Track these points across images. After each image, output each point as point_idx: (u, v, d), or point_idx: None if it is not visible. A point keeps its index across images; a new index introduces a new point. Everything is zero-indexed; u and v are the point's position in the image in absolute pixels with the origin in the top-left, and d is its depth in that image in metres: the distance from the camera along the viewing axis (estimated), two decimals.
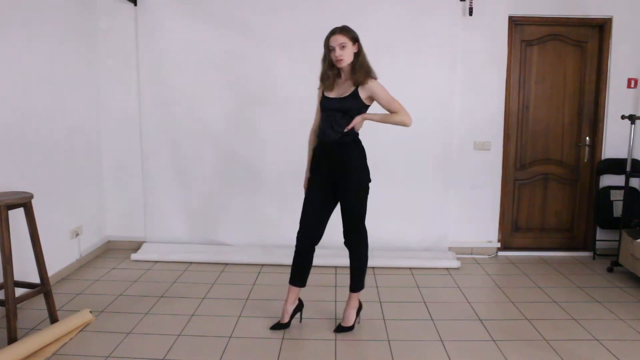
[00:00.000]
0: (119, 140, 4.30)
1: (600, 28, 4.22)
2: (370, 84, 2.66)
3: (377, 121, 2.70)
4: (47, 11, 3.45)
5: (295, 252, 2.84)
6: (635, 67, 4.20)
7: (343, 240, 2.83)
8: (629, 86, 4.22)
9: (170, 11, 4.10)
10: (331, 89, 2.71)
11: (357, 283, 2.87)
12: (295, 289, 2.87)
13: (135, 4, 4.10)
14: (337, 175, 2.73)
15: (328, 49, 2.65)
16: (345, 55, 2.61)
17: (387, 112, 2.71)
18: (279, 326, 2.88)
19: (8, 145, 3.05)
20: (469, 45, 4.14)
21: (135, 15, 4.14)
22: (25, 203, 2.73)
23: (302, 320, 2.98)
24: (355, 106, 2.67)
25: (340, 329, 2.86)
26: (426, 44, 4.10)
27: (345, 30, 2.64)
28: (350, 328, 2.87)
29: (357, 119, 2.67)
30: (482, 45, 4.15)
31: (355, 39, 2.66)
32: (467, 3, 4.04)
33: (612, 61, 4.19)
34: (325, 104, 2.72)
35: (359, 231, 2.81)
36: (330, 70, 2.68)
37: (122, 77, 4.23)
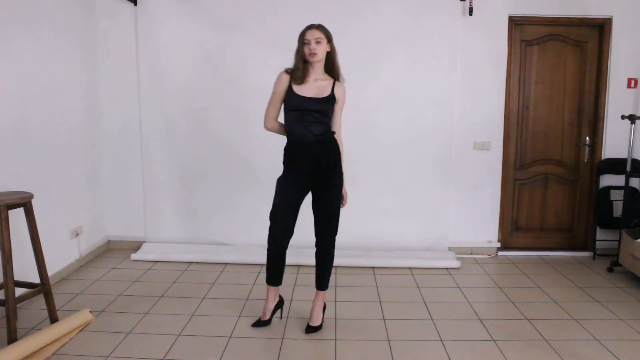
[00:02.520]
0: (119, 140, 4.30)
1: (600, 28, 4.22)
2: (344, 87, 2.77)
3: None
4: (46, 11, 3.45)
5: (270, 253, 2.79)
6: (635, 67, 4.20)
7: (315, 240, 2.82)
8: (629, 86, 4.22)
9: (170, 11, 4.10)
10: (301, 82, 2.66)
11: (327, 281, 2.88)
12: (274, 288, 2.88)
13: (135, 4, 4.10)
14: (317, 174, 2.72)
15: (303, 42, 2.64)
16: (319, 51, 2.62)
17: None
18: (260, 323, 2.90)
19: (8, 145, 3.05)
20: (468, 45, 4.14)
21: (135, 15, 4.13)
22: (25, 203, 2.73)
23: (285, 317, 3.01)
24: (332, 108, 2.71)
25: (309, 329, 2.86)
26: (426, 44, 4.10)
27: (322, 27, 2.66)
28: (319, 327, 2.87)
29: (346, 196, 2.86)
30: (482, 45, 4.15)
31: (329, 38, 2.67)
32: (467, 3, 4.03)
33: (612, 61, 4.19)
34: (300, 104, 2.65)
35: (336, 231, 2.82)
36: (302, 63, 2.67)
37: (122, 76, 4.22)
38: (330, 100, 2.69)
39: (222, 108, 4.20)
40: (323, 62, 2.70)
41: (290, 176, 2.75)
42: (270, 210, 2.77)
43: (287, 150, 2.78)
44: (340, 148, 2.79)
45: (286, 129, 2.76)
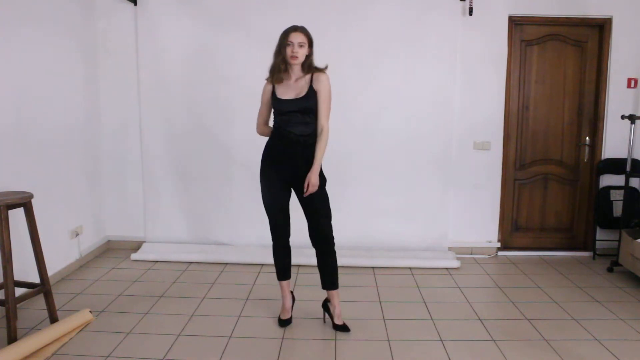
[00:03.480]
0: (119, 140, 4.30)
1: (600, 28, 4.22)
2: (326, 75, 2.72)
3: (319, 164, 2.68)
4: (46, 11, 3.45)
5: (275, 248, 2.90)
6: (635, 67, 4.20)
7: (310, 235, 2.81)
8: (629, 86, 4.21)
9: (170, 11, 4.10)
10: (279, 82, 2.70)
11: (336, 279, 2.87)
12: (286, 283, 2.95)
13: (135, 4, 4.10)
14: (300, 174, 2.71)
15: (285, 43, 2.64)
16: (300, 54, 2.64)
17: (319, 155, 2.67)
18: (283, 323, 2.93)
19: (8, 145, 3.05)
20: (468, 45, 4.14)
21: (135, 15, 4.13)
22: (25, 203, 2.73)
23: (301, 318, 3.00)
24: (314, 104, 2.70)
25: (339, 327, 2.86)
26: (426, 44, 4.10)
27: (305, 30, 2.68)
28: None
29: (312, 182, 2.64)
30: (482, 45, 4.15)
31: (311, 42, 2.70)
32: (467, 3, 4.03)
33: (612, 61, 4.19)
34: (283, 107, 2.69)
35: (329, 214, 2.80)
36: (282, 63, 2.67)
37: (122, 76, 4.23)
38: (311, 96, 2.68)
39: (222, 108, 4.19)
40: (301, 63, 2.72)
41: (273, 176, 2.77)
42: (265, 211, 2.84)
43: (271, 148, 2.79)
44: (324, 138, 2.70)
45: (273, 129, 2.80)
